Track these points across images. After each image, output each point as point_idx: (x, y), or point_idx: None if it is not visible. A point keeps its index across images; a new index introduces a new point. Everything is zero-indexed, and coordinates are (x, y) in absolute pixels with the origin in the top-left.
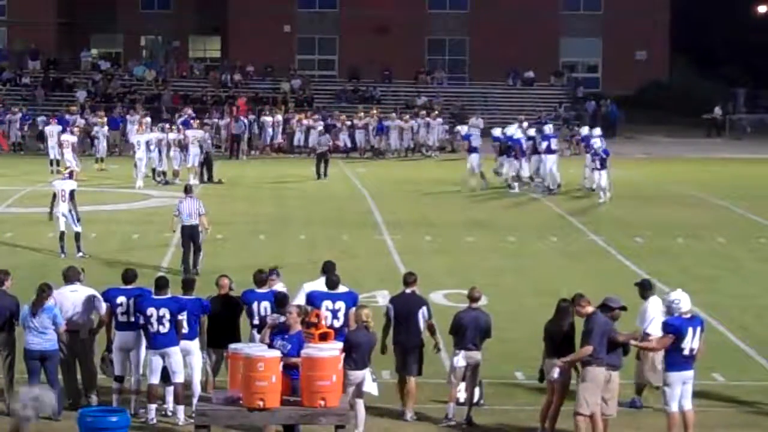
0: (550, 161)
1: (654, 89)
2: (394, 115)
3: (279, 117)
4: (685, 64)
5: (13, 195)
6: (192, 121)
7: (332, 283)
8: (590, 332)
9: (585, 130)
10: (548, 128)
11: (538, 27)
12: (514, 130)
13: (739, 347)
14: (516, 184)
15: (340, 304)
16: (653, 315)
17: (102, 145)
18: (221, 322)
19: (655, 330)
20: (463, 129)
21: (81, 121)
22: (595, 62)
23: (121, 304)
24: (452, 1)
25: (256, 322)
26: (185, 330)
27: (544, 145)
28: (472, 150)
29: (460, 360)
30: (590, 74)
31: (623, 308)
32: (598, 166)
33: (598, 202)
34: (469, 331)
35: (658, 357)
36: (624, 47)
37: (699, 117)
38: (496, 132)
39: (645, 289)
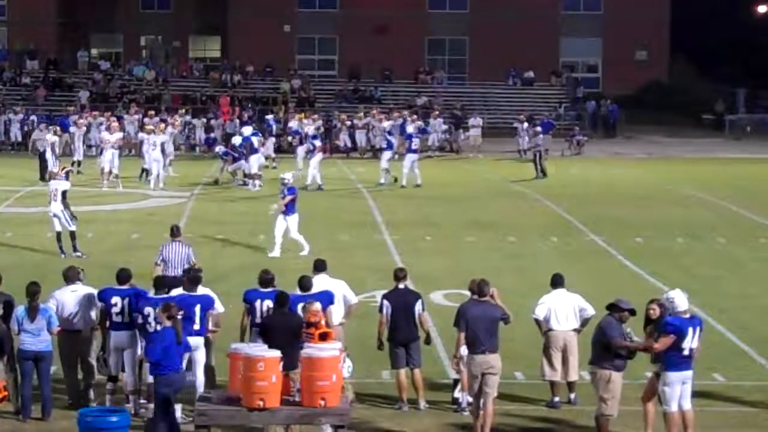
0: (409, 160)
1: (654, 89)
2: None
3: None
4: (685, 64)
5: (12, 195)
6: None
7: (306, 286)
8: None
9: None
10: (411, 128)
11: (538, 27)
12: (249, 132)
13: (739, 347)
14: (250, 181)
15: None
16: (543, 300)
17: (77, 145)
18: None
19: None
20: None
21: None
22: (595, 62)
23: (115, 305)
24: (452, 1)
25: (258, 320)
26: (197, 326)
27: (406, 144)
28: None
29: (464, 348)
30: (590, 74)
31: (632, 312)
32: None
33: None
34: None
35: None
36: (624, 47)
37: (699, 117)
38: (236, 140)
39: (554, 282)
